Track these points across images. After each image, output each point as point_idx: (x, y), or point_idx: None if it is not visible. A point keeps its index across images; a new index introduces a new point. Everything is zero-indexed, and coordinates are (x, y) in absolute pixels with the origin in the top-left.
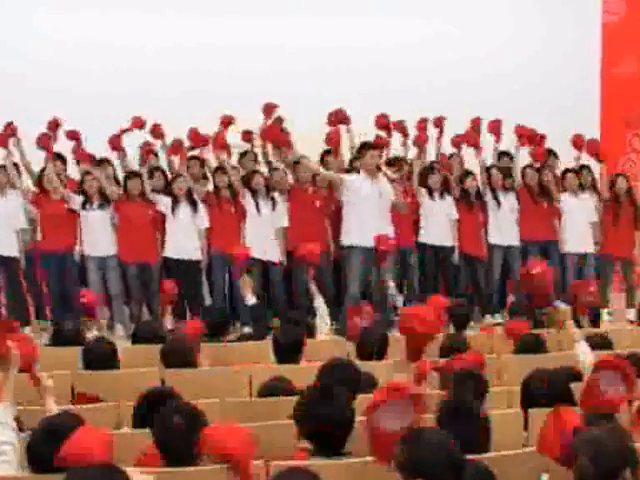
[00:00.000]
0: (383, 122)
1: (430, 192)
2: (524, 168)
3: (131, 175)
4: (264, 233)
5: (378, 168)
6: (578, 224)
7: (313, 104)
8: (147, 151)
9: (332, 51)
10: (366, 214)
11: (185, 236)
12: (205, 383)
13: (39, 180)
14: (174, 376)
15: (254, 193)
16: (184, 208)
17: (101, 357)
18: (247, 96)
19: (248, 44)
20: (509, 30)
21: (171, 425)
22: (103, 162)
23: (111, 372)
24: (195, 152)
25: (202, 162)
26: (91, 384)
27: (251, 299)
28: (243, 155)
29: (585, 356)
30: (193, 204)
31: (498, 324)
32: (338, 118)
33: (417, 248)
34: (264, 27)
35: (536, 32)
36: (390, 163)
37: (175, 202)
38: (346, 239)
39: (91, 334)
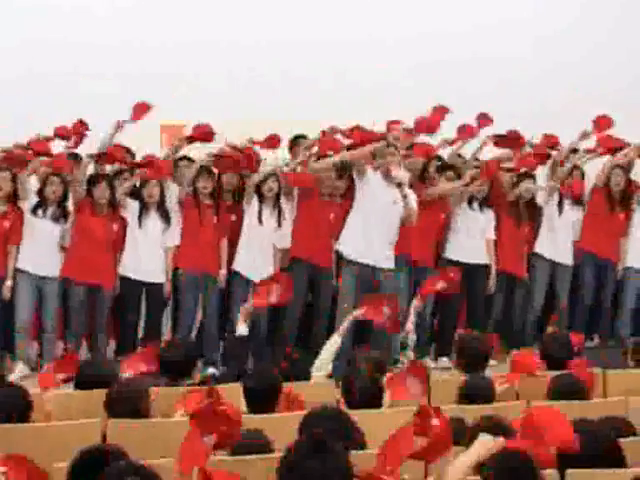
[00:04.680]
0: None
1: (469, 200)
2: (613, 168)
3: (98, 178)
4: (262, 249)
5: (388, 170)
6: None
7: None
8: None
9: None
10: (374, 223)
11: (150, 253)
12: (160, 438)
13: None
14: (120, 429)
15: (262, 200)
16: (153, 219)
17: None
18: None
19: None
20: None
21: None
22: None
23: (36, 425)
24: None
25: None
26: (9, 440)
27: (243, 329)
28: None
29: None
30: (165, 215)
31: None
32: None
33: (439, 265)
34: None
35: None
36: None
37: (143, 210)
38: (342, 246)
39: (14, 375)
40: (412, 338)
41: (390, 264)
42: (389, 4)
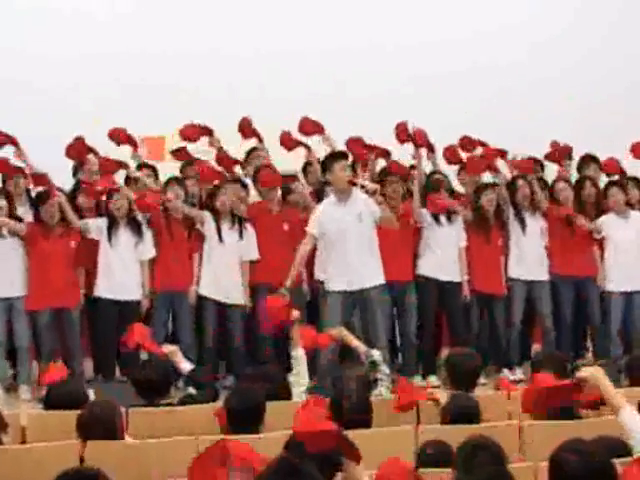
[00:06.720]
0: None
1: (435, 215)
2: (555, 182)
3: (43, 197)
4: (226, 268)
5: (352, 182)
6: (626, 254)
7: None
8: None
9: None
10: (345, 250)
11: (124, 269)
12: (139, 460)
13: None
14: (98, 451)
15: (217, 216)
16: (124, 232)
17: None
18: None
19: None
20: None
21: None
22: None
23: (12, 448)
24: None
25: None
26: None
27: (187, 366)
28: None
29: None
30: (136, 227)
31: (519, 381)
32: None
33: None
34: None
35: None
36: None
37: (112, 225)
38: (321, 276)
39: None
40: (375, 353)
41: (380, 279)
42: (388, 13)
